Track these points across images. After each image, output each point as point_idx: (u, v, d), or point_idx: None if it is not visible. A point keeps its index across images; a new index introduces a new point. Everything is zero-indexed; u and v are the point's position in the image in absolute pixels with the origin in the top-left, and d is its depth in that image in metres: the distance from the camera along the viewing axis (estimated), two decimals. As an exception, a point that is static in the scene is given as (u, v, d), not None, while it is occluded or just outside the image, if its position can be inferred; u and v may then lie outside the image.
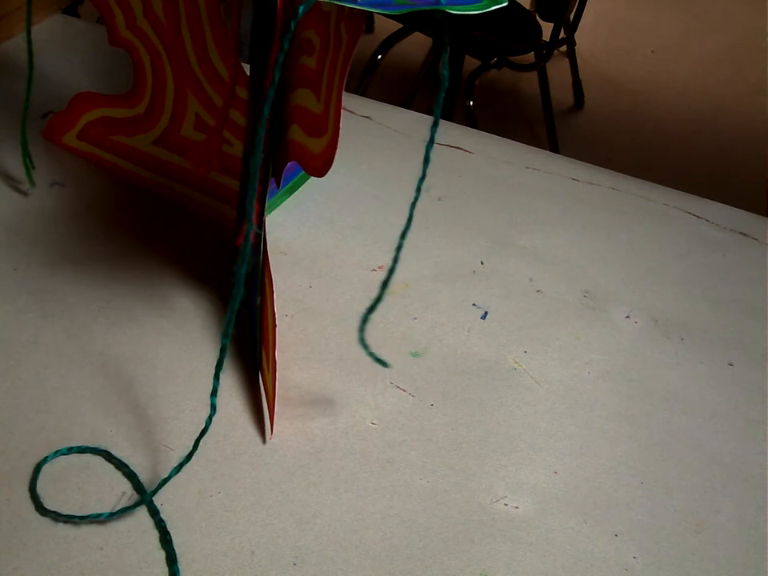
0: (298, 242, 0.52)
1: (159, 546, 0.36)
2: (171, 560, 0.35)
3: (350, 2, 0.29)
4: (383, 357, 0.38)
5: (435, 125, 0.29)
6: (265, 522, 0.37)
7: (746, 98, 2.29)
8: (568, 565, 0.37)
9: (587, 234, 0.56)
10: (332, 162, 0.37)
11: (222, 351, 0.32)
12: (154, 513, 0.37)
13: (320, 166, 0.38)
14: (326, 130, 0.37)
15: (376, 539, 0.37)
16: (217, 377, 0.32)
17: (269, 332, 0.41)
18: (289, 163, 0.42)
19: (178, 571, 0.35)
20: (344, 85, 0.35)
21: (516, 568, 0.37)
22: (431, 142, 0.30)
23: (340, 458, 0.40)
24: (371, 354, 0.37)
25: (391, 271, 0.34)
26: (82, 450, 0.39)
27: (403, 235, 0.34)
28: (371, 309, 0.35)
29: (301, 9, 0.29)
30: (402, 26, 1.82)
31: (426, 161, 0.31)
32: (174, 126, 0.52)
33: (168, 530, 0.36)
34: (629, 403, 0.45)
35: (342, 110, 0.36)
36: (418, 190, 0.32)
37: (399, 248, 0.34)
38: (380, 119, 0.64)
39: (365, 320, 0.36)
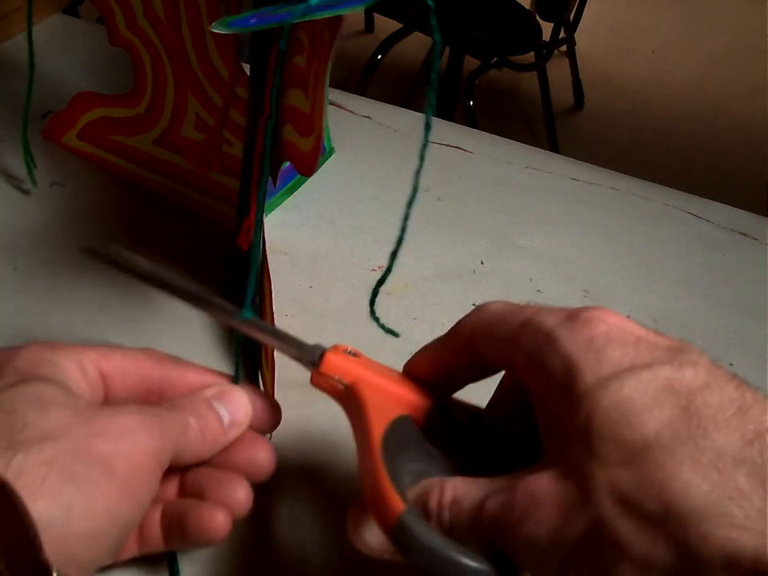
0: (297, 242, 0.52)
1: (159, 545, 0.36)
2: (171, 560, 0.35)
3: (332, 9, 0.29)
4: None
5: (428, 127, 0.29)
6: (266, 522, 0.37)
7: (746, 98, 2.30)
8: None
9: (587, 234, 0.56)
10: (317, 161, 0.38)
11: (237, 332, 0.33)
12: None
13: (309, 164, 0.39)
14: (314, 129, 0.37)
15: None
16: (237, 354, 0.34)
17: (269, 332, 0.41)
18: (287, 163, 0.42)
19: (178, 571, 0.35)
20: (326, 82, 0.35)
21: (516, 568, 0.37)
22: (425, 142, 0.30)
23: (340, 458, 0.40)
24: (382, 326, 0.37)
25: (394, 253, 0.34)
26: (82, 449, 0.39)
27: (403, 229, 0.34)
28: (381, 281, 0.35)
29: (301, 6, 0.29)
30: (402, 25, 1.82)
31: (422, 158, 0.31)
32: (174, 126, 0.52)
33: (168, 529, 0.36)
34: (629, 403, 0.45)
35: (324, 109, 0.36)
36: (415, 188, 0.32)
37: (400, 241, 0.34)
38: (380, 119, 0.64)
39: (375, 293, 0.36)
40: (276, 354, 0.40)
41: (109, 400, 0.30)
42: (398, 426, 0.29)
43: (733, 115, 2.23)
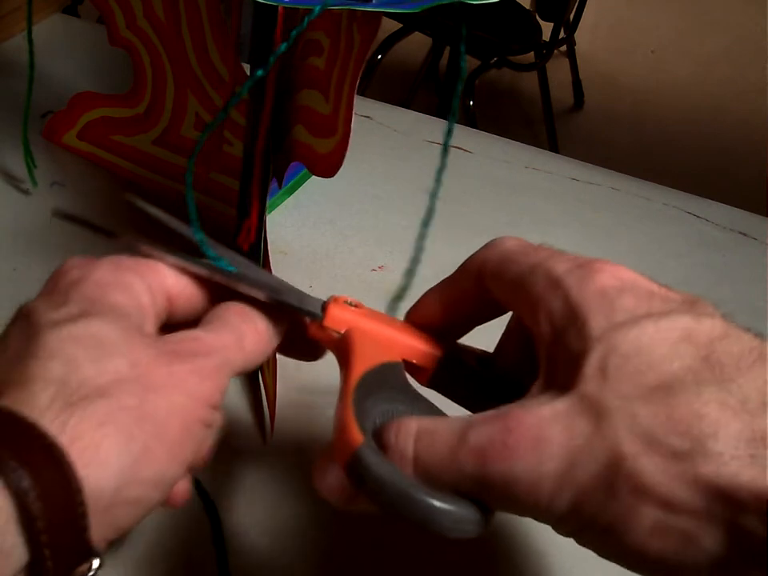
0: (297, 242, 0.52)
1: (159, 545, 0.36)
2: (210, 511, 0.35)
3: (362, 5, 0.29)
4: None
5: (449, 132, 0.29)
6: (266, 522, 0.37)
7: (746, 98, 2.30)
8: (567, 565, 0.37)
9: (587, 233, 0.56)
10: (341, 162, 0.38)
11: None
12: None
13: (329, 166, 0.38)
14: (336, 132, 0.37)
15: (377, 536, 0.37)
16: None
17: (269, 332, 0.41)
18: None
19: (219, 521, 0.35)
20: (356, 86, 0.35)
21: (517, 568, 0.37)
22: (445, 147, 0.30)
23: (340, 457, 0.40)
24: None
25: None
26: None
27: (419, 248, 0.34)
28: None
29: (306, 19, 0.28)
30: (402, 25, 1.82)
31: (443, 166, 0.31)
32: (174, 126, 0.52)
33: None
34: (629, 403, 0.45)
35: (353, 111, 0.36)
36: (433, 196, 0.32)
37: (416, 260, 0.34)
38: (380, 119, 0.64)
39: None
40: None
41: (171, 317, 0.29)
42: (381, 371, 0.27)
43: (733, 115, 2.23)
